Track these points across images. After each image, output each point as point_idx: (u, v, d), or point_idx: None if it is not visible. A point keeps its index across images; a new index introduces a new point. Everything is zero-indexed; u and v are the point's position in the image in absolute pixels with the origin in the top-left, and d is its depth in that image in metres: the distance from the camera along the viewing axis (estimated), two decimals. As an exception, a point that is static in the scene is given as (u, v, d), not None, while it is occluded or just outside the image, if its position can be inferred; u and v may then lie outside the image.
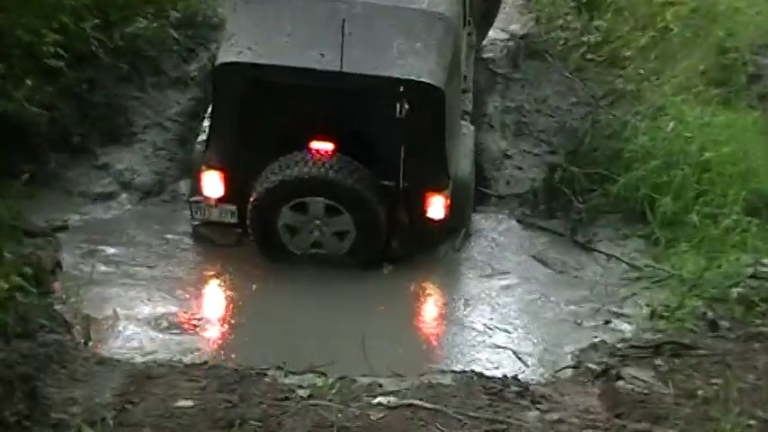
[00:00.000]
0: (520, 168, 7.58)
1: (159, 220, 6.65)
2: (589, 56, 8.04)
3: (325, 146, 5.99)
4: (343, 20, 5.79)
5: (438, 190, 6.15)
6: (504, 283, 6.41)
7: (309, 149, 5.97)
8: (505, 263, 6.61)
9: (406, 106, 5.74)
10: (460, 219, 6.46)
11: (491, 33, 8.45)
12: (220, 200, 6.19)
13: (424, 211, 6.16)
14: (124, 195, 6.82)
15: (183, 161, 6.82)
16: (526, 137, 7.73)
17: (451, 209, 6.19)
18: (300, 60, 5.87)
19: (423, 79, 5.85)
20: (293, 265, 6.11)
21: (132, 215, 6.70)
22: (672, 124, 6.97)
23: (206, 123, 6.37)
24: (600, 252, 6.76)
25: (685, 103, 7.23)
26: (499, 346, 5.70)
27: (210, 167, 6.15)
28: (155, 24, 7.27)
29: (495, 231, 6.94)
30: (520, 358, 5.52)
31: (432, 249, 6.37)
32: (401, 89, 5.73)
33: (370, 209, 5.99)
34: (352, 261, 6.13)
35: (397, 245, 6.23)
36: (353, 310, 5.86)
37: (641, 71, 7.70)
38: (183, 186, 6.80)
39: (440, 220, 6.21)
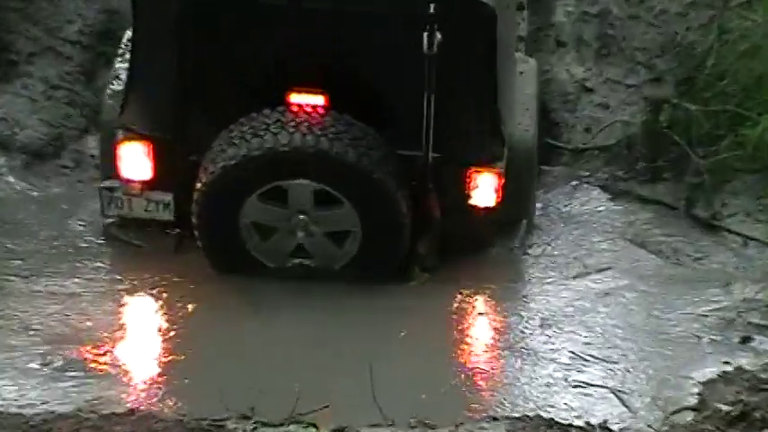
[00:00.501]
0: (606, 107, 7.73)
1: (55, 199, 6.81)
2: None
3: (312, 99, 6.05)
4: None
5: (487, 163, 6.23)
6: (593, 286, 6.50)
7: (289, 106, 6.03)
8: (592, 255, 6.73)
9: (439, 36, 5.77)
10: (520, 205, 6.59)
11: None
12: (148, 185, 6.30)
13: (466, 197, 6.26)
14: (1, 159, 6.98)
15: (92, 106, 7.06)
16: (615, 59, 7.91)
17: (506, 191, 6.26)
18: None
19: None
20: (266, 279, 6.24)
21: (13, 190, 6.88)
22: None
23: (120, 65, 6.53)
24: (732, 233, 6.95)
25: None
26: (587, 383, 5.73)
27: (132, 136, 6.24)
28: None
29: (571, 206, 7.14)
30: (620, 399, 5.58)
31: (479, 251, 6.51)
32: (431, 9, 5.75)
33: (384, 196, 6.05)
34: (356, 276, 6.24)
35: (425, 249, 6.34)
36: (358, 333, 5.99)
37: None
38: (92, 145, 7.06)
39: (490, 209, 6.31)
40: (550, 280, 6.54)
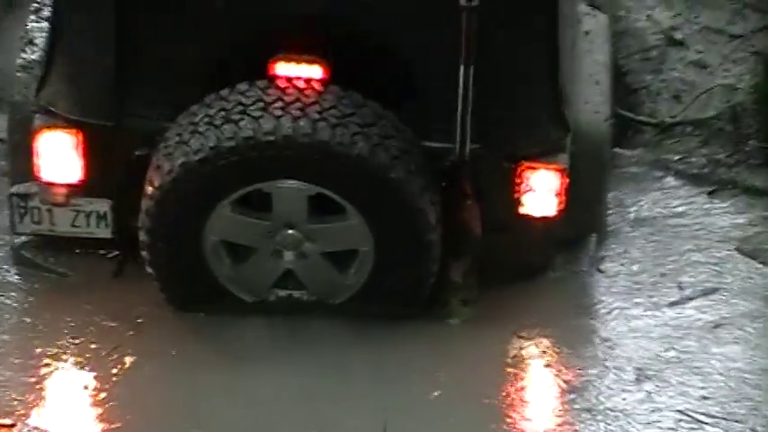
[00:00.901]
0: (703, 67, 7.08)
1: None
2: None
3: (306, 71, 5.50)
4: None
5: (545, 157, 5.64)
6: (698, 316, 5.93)
7: (273, 79, 5.49)
8: (686, 272, 6.15)
9: None
10: (588, 215, 6.12)
11: None
12: (76, 190, 5.73)
13: (516, 203, 5.71)
14: None
15: (3, 71, 6.39)
16: (713, 1, 7.35)
17: (571, 195, 5.78)
18: None
19: None
20: (242, 319, 5.81)
21: None
22: None
23: (36, 25, 6.08)
24: None
25: None
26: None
27: (55, 123, 5.67)
28: None
29: (655, 204, 6.54)
30: None
31: (534, 277, 6.05)
32: None
33: (404, 203, 5.51)
34: (366, 313, 5.77)
35: (462, 276, 5.74)
36: (372, 392, 5.50)
37: None
38: (2, 127, 6.37)
39: (549, 221, 5.79)
40: (637, 312, 5.95)
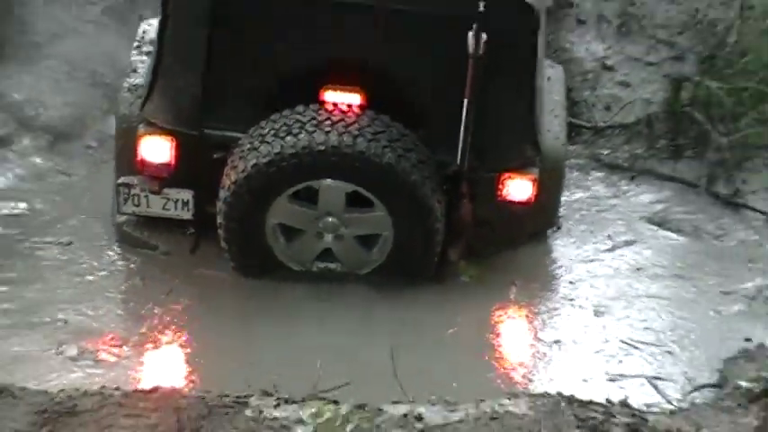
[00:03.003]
0: (627, 85, 7.74)
1: (78, 179, 6.83)
2: None
3: (348, 98, 5.96)
4: None
5: (522, 169, 6.16)
6: (605, 261, 6.64)
7: (323, 104, 5.94)
8: (608, 231, 6.87)
9: (485, 37, 5.67)
10: (547, 215, 6.55)
11: None
12: (167, 182, 6.17)
13: (501, 204, 6.18)
14: (25, 141, 6.98)
15: (114, 87, 6.95)
16: (636, 36, 7.92)
17: (538, 199, 6.20)
18: None
19: None
20: (291, 281, 6.18)
21: (37, 171, 6.85)
22: None
23: (137, 57, 6.52)
24: (753, 210, 6.96)
25: None
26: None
27: (154, 131, 6.12)
28: None
29: (594, 185, 7.21)
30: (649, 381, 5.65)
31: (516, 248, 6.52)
32: (481, 8, 5.64)
33: (419, 200, 5.95)
34: (383, 281, 6.18)
35: (457, 256, 6.27)
36: (378, 310, 6.05)
37: None
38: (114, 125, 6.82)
39: (523, 216, 6.26)
40: (586, 257, 6.65)
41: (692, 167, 7.25)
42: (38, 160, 6.91)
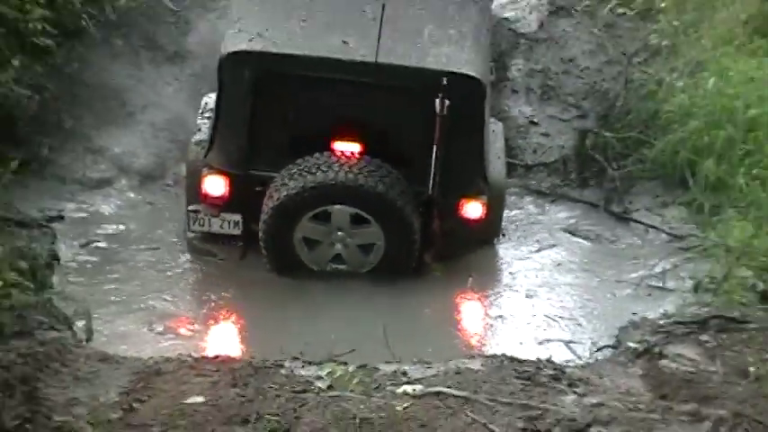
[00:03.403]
0: (547, 135, 7.58)
1: (160, 207, 6.71)
2: (619, 9, 8.00)
3: (351, 147, 5.89)
4: (383, 4, 5.77)
5: (475, 195, 6.08)
6: (534, 259, 6.56)
7: (333, 152, 5.87)
8: (536, 237, 6.75)
9: (447, 103, 5.61)
10: (494, 229, 6.39)
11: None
12: (223, 208, 6.05)
13: (460, 220, 6.08)
14: (123, 181, 6.84)
15: (185, 142, 6.77)
16: (553, 101, 7.75)
17: (487, 217, 6.11)
18: (322, 49, 5.78)
19: (467, 72, 5.77)
20: (311, 278, 6.03)
21: (132, 202, 6.74)
22: (712, 81, 6.94)
23: (201, 121, 6.40)
24: (637, 222, 6.84)
25: (727, 56, 7.18)
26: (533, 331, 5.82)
27: (213, 171, 6.02)
28: (148, -5, 7.33)
29: (524, 207, 7.05)
30: (567, 345, 5.62)
31: (472, 251, 6.37)
32: (444, 82, 5.60)
33: (402, 219, 5.85)
34: (378, 277, 6.04)
35: (430, 259, 6.14)
36: (375, 297, 5.93)
37: (676, 23, 7.64)
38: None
39: (476, 229, 6.15)
40: (521, 255, 6.57)
41: (594, 193, 7.13)
42: (131, 195, 6.80)
